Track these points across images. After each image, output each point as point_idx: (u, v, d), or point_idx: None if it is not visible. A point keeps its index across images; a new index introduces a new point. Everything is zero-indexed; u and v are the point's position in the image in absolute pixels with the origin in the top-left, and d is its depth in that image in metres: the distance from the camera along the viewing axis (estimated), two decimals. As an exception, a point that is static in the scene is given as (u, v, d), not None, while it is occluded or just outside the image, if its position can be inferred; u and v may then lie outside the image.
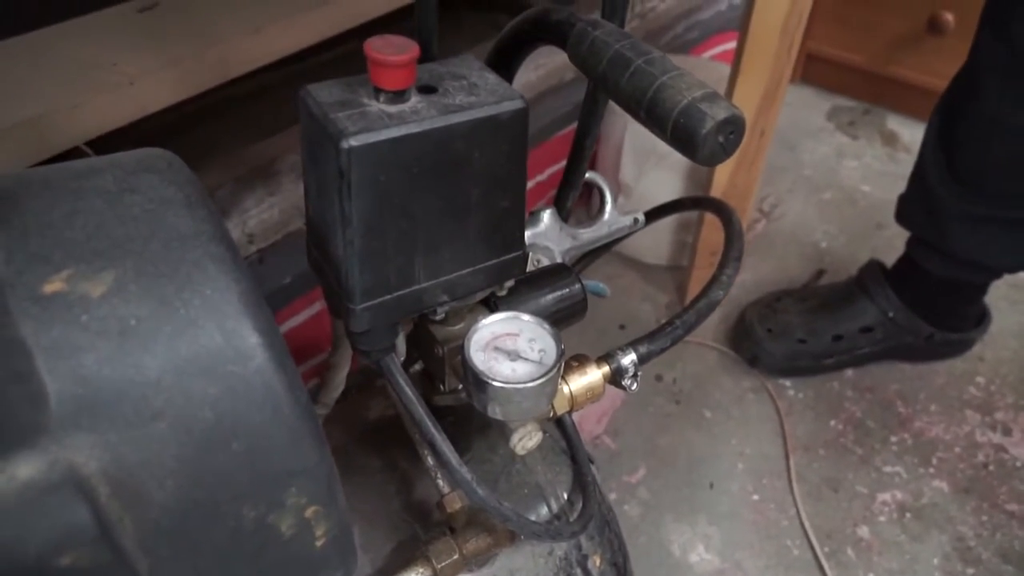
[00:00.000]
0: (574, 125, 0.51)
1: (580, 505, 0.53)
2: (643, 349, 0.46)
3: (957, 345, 1.10)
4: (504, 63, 0.48)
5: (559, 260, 0.53)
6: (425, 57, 0.42)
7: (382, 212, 0.35)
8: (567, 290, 0.49)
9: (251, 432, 0.28)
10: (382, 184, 0.34)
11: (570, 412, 0.46)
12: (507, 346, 0.41)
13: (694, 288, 1.15)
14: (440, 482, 0.49)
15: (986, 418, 1.03)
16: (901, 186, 1.03)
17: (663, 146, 0.37)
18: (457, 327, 0.45)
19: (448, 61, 0.39)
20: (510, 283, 0.45)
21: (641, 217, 0.57)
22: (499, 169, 0.37)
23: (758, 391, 1.06)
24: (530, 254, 0.52)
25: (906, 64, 1.53)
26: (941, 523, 0.91)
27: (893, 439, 1.01)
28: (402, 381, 0.41)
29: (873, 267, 1.07)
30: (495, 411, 0.40)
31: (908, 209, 1.02)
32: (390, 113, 0.34)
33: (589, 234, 0.55)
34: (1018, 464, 0.98)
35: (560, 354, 0.41)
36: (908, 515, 0.92)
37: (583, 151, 0.52)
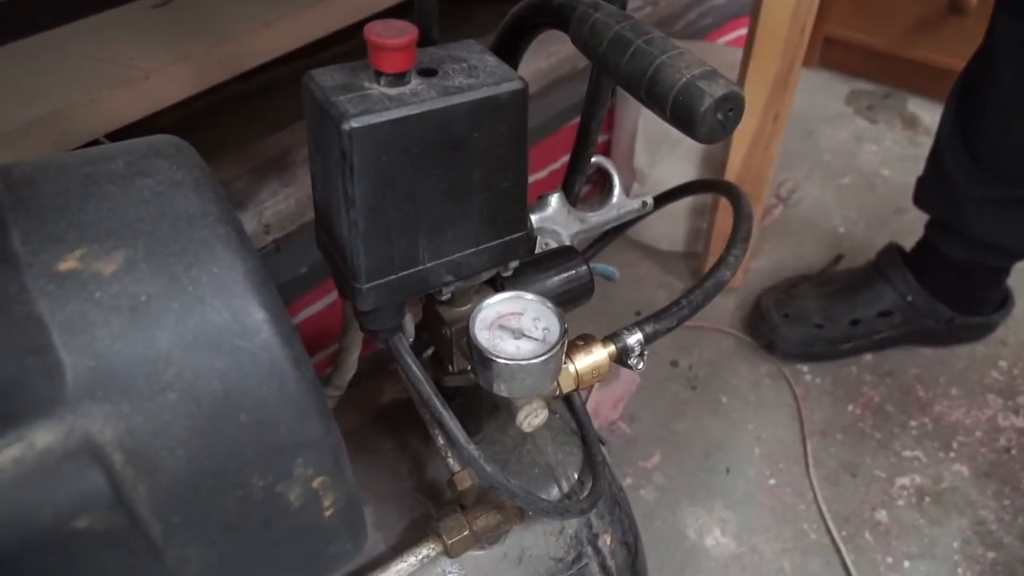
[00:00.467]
0: (582, 110, 0.52)
1: (590, 485, 0.54)
2: (649, 329, 0.47)
3: (978, 329, 1.08)
4: (508, 49, 0.49)
5: (567, 244, 0.54)
6: (425, 41, 0.43)
7: (384, 193, 0.36)
8: (573, 272, 0.50)
9: (258, 404, 0.29)
10: (384, 165, 0.35)
11: (577, 391, 0.46)
12: (511, 324, 0.42)
13: (704, 268, 1.14)
14: (451, 461, 0.50)
15: (1008, 402, 1.02)
16: (922, 170, 1.02)
17: (676, 132, 0.38)
18: (464, 308, 0.46)
19: (448, 45, 0.40)
20: (515, 264, 0.45)
21: (649, 200, 0.57)
22: (500, 150, 0.38)
23: (775, 376, 1.06)
24: (538, 238, 0.52)
25: (926, 46, 1.51)
26: (961, 507, 0.90)
27: (912, 424, 1.00)
28: (410, 360, 0.42)
29: (891, 251, 1.06)
30: (500, 388, 0.41)
31: (926, 192, 1.01)
32: (390, 95, 0.35)
33: (597, 217, 0.56)
34: (1041, 448, 0.97)
35: (563, 332, 0.41)
36: (927, 499, 0.91)
37: (589, 135, 0.52)
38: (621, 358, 0.47)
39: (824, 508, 0.90)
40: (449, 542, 0.47)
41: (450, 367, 0.48)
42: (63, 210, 0.30)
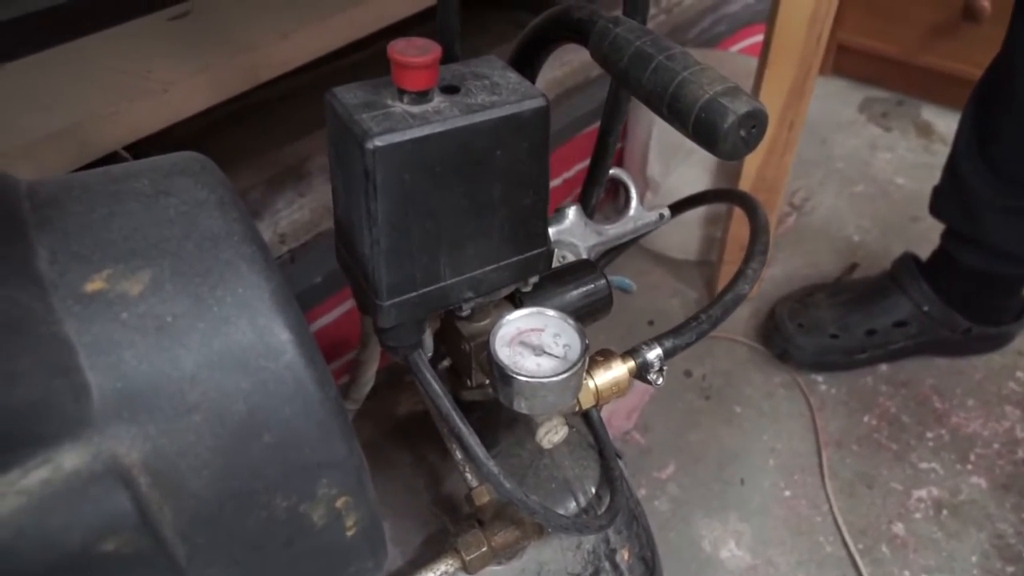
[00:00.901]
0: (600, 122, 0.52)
1: (608, 499, 0.54)
2: (668, 344, 0.47)
3: (995, 339, 1.07)
4: (527, 61, 0.49)
5: (584, 256, 0.54)
6: (447, 58, 0.43)
7: (407, 211, 0.36)
8: (592, 286, 0.50)
9: (282, 425, 0.29)
10: (406, 183, 0.35)
11: (596, 406, 0.46)
12: (532, 341, 0.41)
13: (723, 283, 1.14)
14: (468, 476, 0.49)
15: (1026, 413, 1.01)
16: (936, 178, 1.01)
17: (690, 142, 0.38)
18: (483, 323, 0.46)
19: (470, 61, 0.40)
20: (535, 279, 0.45)
21: (667, 212, 0.57)
22: (521, 167, 0.38)
23: (789, 386, 1.05)
24: (555, 251, 0.52)
25: (941, 53, 1.50)
26: (979, 520, 0.89)
27: (929, 435, 0.99)
28: (429, 376, 0.42)
29: (907, 260, 1.06)
30: (521, 405, 0.41)
31: (942, 201, 1.00)
32: (413, 113, 0.35)
33: (615, 230, 0.55)
34: (1060, 460, 0.95)
35: (584, 349, 0.41)
36: (945, 512, 0.90)
37: (607, 148, 0.52)
38: (641, 373, 0.46)
39: (840, 520, 0.89)
40: (467, 558, 0.47)
41: (469, 382, 0.48)
42: (89, 229, 0.30)
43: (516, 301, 0.47)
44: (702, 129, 0.36)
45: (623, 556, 0.55)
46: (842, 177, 1.43)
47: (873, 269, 1.16)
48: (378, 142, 0.33)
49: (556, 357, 0.41)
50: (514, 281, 0.43)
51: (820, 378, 1.06)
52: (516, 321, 0.42)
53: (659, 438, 0.99)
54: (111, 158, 0.64)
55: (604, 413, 0.99)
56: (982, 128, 0.91)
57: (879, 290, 1.06)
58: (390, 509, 0.52)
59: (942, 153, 1.00)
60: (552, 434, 0.44)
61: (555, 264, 0.51)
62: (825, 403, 1.03)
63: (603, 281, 0.50)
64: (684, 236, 1.21)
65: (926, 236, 1.21)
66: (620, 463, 0.57)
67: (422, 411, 0.58)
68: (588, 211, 0.55)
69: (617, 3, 0.45)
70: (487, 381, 0.48)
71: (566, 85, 1.05)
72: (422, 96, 0.35)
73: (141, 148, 0.65)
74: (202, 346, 0.28)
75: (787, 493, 0.93)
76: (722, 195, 0.65)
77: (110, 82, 0.65)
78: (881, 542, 0.87)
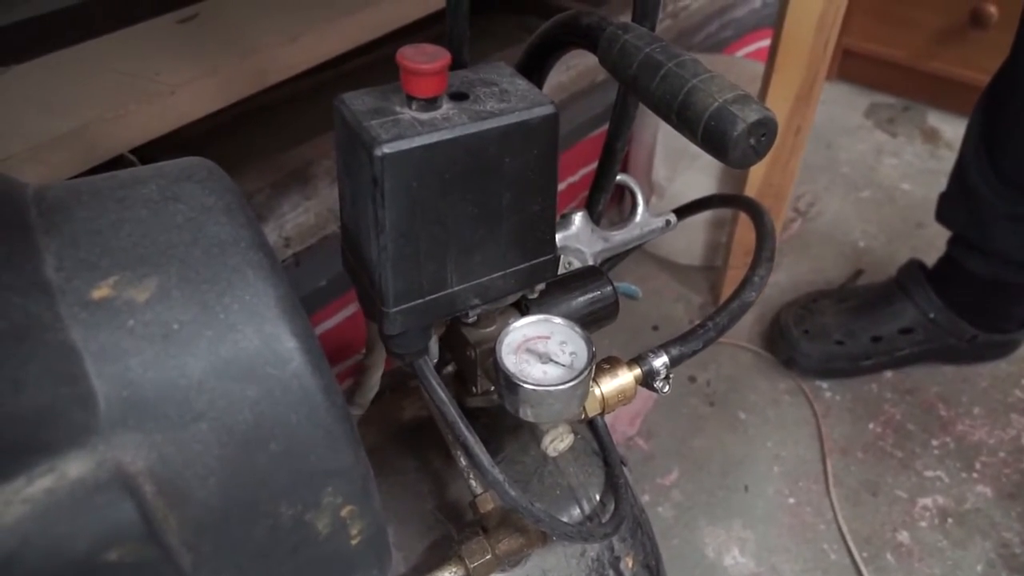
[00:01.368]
0: (606, 127, 0.52)
1: (612, 507, 0.53)
2: (675, 351, 0.46)
3: (1002, 347, 1.07)
4: (535, 67, 0.49)
5: (590, 262, 0.53)
6: (456, 64, 0.43)
7: (415, 217, 0.36)
8: (599, 292, 0.50)
9: (288, 433, 0.29)
10: (415, 190, 0.35)
11: (602, 414, 0.46)
12: (538, 348, 0.41)
13: (728, 289, 1.14)
14: (473, 483, 0.49)
15: (1032, 422, 1.00)
16: (943, 184, 1.01)
17: (695, 147, 0.38)
18: (489, 330, 0.46)
19: (479, 68, 0.40)
20: (541, 286, 0.45)
21: (673, 218, 0.57)
22: (530, 174, 0.38)
23: (794, 393, 1.05)
24: (561, 257, 0.52)
25: (947, 59, 1.50)
26: (985, 529, 0.89)
27: (934, 443, 0.98)
28: (435, 383, 0.42)
29: (913, 267, 1.05)
30: (526, 413, 0.40)
31: (949, 208, 0.99)
32: (422, 120, 0.34)
33: (621, 236, 0.55)
34: (1066, 469, 0.95)
35: (591, 357, 0.41)
36: (950, 520, 0.90)
37: (614, 154, 0.52)
38: (647, 381, 0.46)
39: (845, 528, 0.89)
40: (472, 566, 0.46)
41: (474, 388, 0.48)
42: (96, 235, 0.30)
43: (522, 308, 0.47)
44: (711, 137, 0.36)
45: (627, 563, 0.55)
46: (848, 183, 1.42)
47: (879, 275, 1.16)
48: (387, 149, 0.33)
49: (562, 365, 0.41)
50: (521, 288, 0.43)
51: (825, 385, 1.05)
52: (522, 328, 0.42)
53: (663, 444, 0.98)
54: (118, 161, 0.64)
55: (608, 419, 0.99)
56: (989, 135, 0.91)
57: (885, 297, 1.06)
58: (394, 515, 0.51)
59: (948, 159, 0.99)
60: (558, 442, 0.44)
61: (561, 270, 0.51)
62: (830, 410, 1.02)
63: (610, 288, 0.50)
64: (689, 241, 1.21)
65: (932, 242, 1.21)
66: (624, 470, 0.57)
67: (426, 417, 0.58)
68: (594, 217, 0.55)
69: (626, 9, 0.45)
70: (492, 388, 0.47)
71: (571, 90, 1.05)
72: (431, 103, 0.35)
73: (148, 151, 0.65)
74: (209, 354, 0.28)
75: (791, 500, 0.92)
76: (728, 200, 0.65)
77: (117, 85, 0.65)
78: (886, 550, 0.87)
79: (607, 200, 0.56)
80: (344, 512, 0.32)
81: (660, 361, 0.46)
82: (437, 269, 0.38)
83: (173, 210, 0.31)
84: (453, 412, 0.41)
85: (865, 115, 1.61)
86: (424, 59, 0.33)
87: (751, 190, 1.02)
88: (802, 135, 1.01)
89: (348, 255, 0.42)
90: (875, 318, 1.04)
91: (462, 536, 0.49)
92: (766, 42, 1.33)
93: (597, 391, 0.44)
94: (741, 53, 1.42)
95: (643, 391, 0.46)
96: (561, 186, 1.12)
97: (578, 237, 0.53)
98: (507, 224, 0.39)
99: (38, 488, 0.25)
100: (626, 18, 0.43)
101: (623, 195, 1.12)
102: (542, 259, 0.42)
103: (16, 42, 0.67)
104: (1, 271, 0.27)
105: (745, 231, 1.06)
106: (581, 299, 0.49)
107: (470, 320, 0.45)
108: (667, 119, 0.38)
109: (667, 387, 0.47)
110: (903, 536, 0.88)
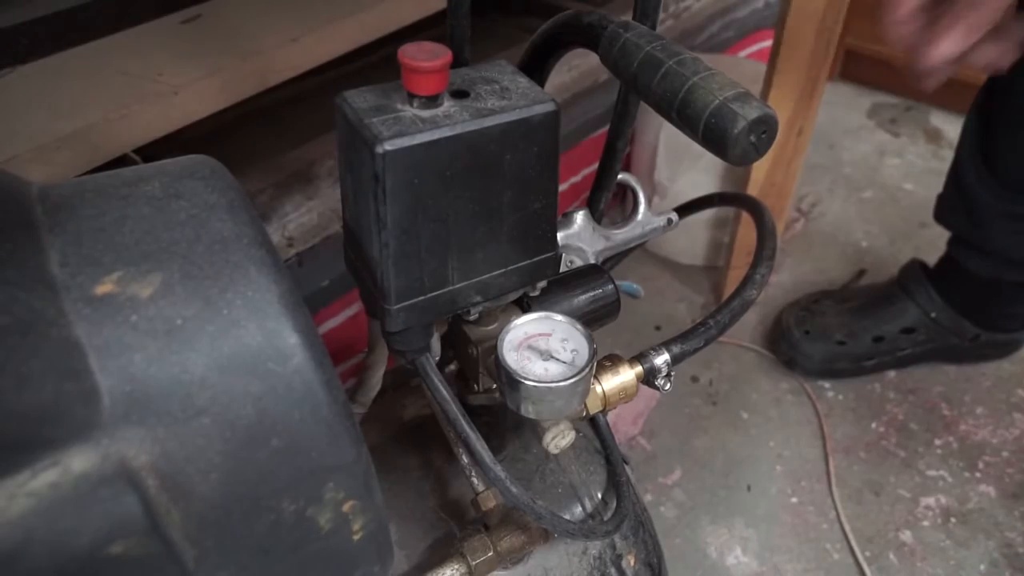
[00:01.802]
0: (608, 127, 0.52)
1: (614, 505, 0.54)
2: (676, 349, 0.46)
3: (1004, 346, 1.07)
4: (536, 66, 0.49)
5: (592, 261, 0.54)
6: (458, 63, 0.43)
7: (416, 215, 0.36)
8: (600, 291, 0.50)
9: (290, 429, 0.29)
10: (416, 187, 0.35)
11: (603, 412, 0.46)
12: (540, 346, 0.41)
13: (730, 288, 1.14)
14: (474, 480, 0.49)
15: (1036, 421, 1.00)
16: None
17: (698, 146, 0.38)
18: (491, 327, 0.46)
19: (480, 66, 0.40)
20: (543, 284, 0.45)
21: (675, 217, 0.57)
22: (531, 171, 0.38)
23: (796, 392, 1.05)
24: (563, 255, 0.52)
25: (950, 59, 1.50)
26: (988, 529, 0.89)
27: (937, 442, 0.98)
28: (437, 380, 0.42)
29: (914, 267, 1.05)
30: (528, 410, 0.41)
31: (947, 208, 0.99)
32: (423, 118, 0.35)
33: (622, 235, 0.55)
34: (1070, 469, 0.95)
35: (592, 354, 0.41)
36: (953, 520, 0.90)
37: (616, 153, 0.52)
38: (648, 379, 0.46)
39: (847, 527, 0.88)
40: (473, 563, 0.46)
41: (476, 386, 0.48)
42: (100, 233, 0.30)
43: (524, 305, 0.47)
44: (712, 135, 0.36)
45: (629, 562, 0.55)
46: (850, 183, 1.42)
47: (881, 275, 1.16)
48: (388, 146, 0.33)
49: (563, 362, 0.41)
50: (523, 285, 0.43)
51: (827, 384, 1.05)
52: (524, 326, 0.42)
53: (665, 444, 0.98)
54: (121, 161, 0.64)
55: (610, 418, 0.99)
56: (984, 135, 0.91)
57: (886, 297, 1.06)
58: (396, 513, 0.52)
59: (951, 159, 0.99)
60: (559, 439, 0.44)
61: (563, 268, 0.51)
62: (833, 409, 1.02)
63: (611, 286, 0.50)
64: (691, 241, 1.21)
65: (934, 242, 1.21)
66: (627, 468, 0.57)
67: (429, 415, 0.58)
68: (596, 216, 0.55)
69: (627, 8, 0.45)
70: (494, 385, 0.48)
71: (574, 90, 1.05)
72: (432, 100, 0.35)
73: (151, 151, 0.66)
74: (211, 349, 0.28)
75: (794, 500, 0.92)
76: (729, 199, 0.65)
77: (121, 85, 0.66)
78: (888, 550, 0.87)
79: (609, 199, 0.56)
80: (346, 507, 0.32)
81: (661, 359, 0.46)
82: (438, 266, 0.38)
83: (176, 207, 0.31)
84: (455, 409, 0.42)
85: (867, 115, 1.61)
86: (425, 57, 0.33)
87: (754, 190, 1.02)
88: (804, 136, 1.01)
89: (350, 253, 0.42)
90: (877, 318, 1.04)
91: (464, 534, 0.49)
92: (768, 43, 1.33)
93: (598, 388, 0.44)
94: (743, 54, 1.42)
95: (646, 391, 0.46)
96: (564, 186, 1.12)
97: (580, 235, 0.53)
98: (508, 221, 0.39)
99: (42, 482, 0.25)
100: (627, 17, 0.43)
101: (625, 194, 1.12)
102: (543, 257, 0.42)
103: (21, 43, 0.68)
104: (6, 268, 0.27)
105: (747, 231, 1.06)
106: (583, 297, 0.49)
107: (472, 318, 0.45)
108: (668, 117, 0.39)
109: (668, 385, 0.47)
110: (906, 536, 0.88)
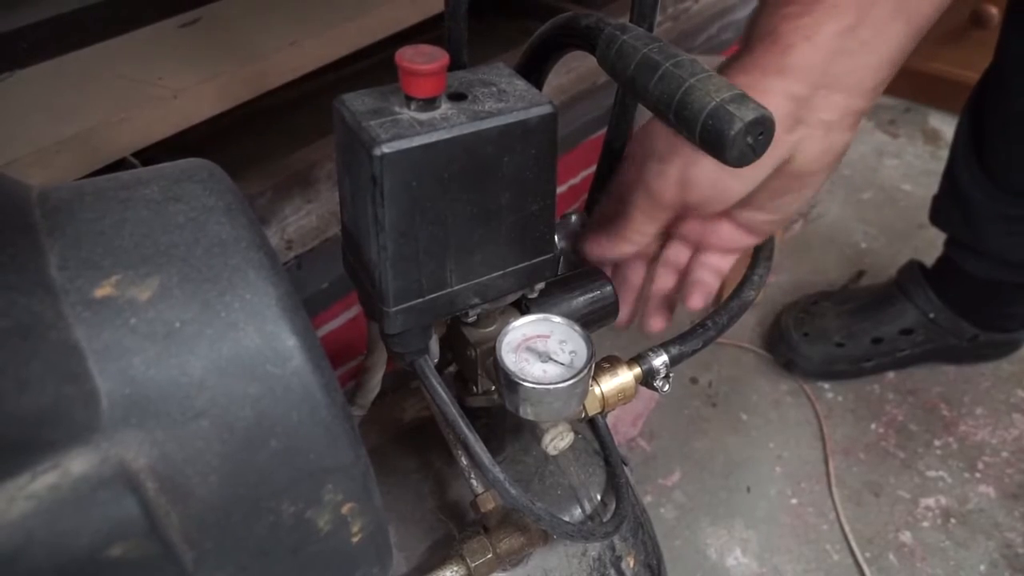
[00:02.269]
0: (606, 129, 0.52)
1: (613, 506, 0.54)
2: (675, 350, 0.46)
3: (1003, 346, 1.07)
4: (534, 69, 0.49)
5: (590, 263, 0.54)
6: (455, 65, 0.43)
7: (414, 217, 0.36)
8: (598, 292, 0.50)
9: (289, 431, 0.29)
10: (414, 190, 0.35)
11: (602, 413, 0.46)
12: (538, 347, 0.41)
13: (727, 289, 1.14)
14: (474, 482, 0.49)
15: (1035, 422, 1.00)
16: (942, 185, 1.01)
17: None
18: (489, 329, 0.46)
19: (478, 69, 0.40)
20: (541, 285, 0.45)
21: (673, 219, 0.57)
22: (529, 173, 0.38)
23: (796, 394, 1.05)
24: (561, 257, 0.52)
25: (948, 60, 1.50)
26: (988, 529, 0.89)
27: (937, 443, 0.98)
28: (435, 382, 0.42)
29: (912, 268, 1.05)
30: (526, 411, 0.41)
31: (942, 210, 0.99)
32: (421, 120, 0.35)
33: (620, 236, 0.55)
34: (1069, 469, 0.95)
35: (591, 355, 0.41)
36: (953, 521, 0.90)
37: (613, 154, 0.52)
38: (647, 380, 0.46)
39: (847, 528, 0.88)
40: (473, 565, 0.46)
41: (474, 388, 0.48)
42: (99, 236, 0.30)
43: (522, 307, 0.47)
44: (709, 136, 0.36)
45: (629, 563, 0.55)
46: (849, 184, 1.42)
47: (880, 276, 1.16)
48: (386, 149, 0.33)
49: (562, 364, 0.41)
50: (521, 287, 0.43)
51: (827, 386, 1.05)
52: (522, 327, 0.42)
53: (665, 445, 0.98)
54: (121, 164, 0.64)
55: (609, 420, 0.99)
56: (978, 137, 0.91)
57: (885, 298, 1.06)
58: (395, 515, 0.52)
59: (949, 160, 0.99)
60: (558, 440, 0.44)
61: (561, 270, 0.51)
62: (832, 411, 1.02)
63: (609, 287, 0.50)
64: (690, 242, 1.21)
65: (933, 243, 1.20)
66: (626, 470, 0.57)
67: (428, 417, 0.58)
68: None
69: (624, 10, 0.45)
70: (493, 387, 0.48)
71: (572, 92, 1.05)
72: (430, 103, 0.35)
73: (150, 154, 0.66)
74: (210, 352, 0.28)
75: (794, 501, 0.92)
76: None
77: (120, 89, 0.66)
78: (888, 551, 0.87)
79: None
80: (345, 509, 0.32)
81: (660, 360, 0.46)
82: (437, 268, 0.38)
83: (174, 210, 0.32)
84: (454, 411, 0.42)
85: (866, 116, 1.61)
86: (423, 59, 0.34)
87: (752, 191, 1.02)
88: (802, 136, 1.01)
89: (349, 256, 0.42)
90: (875, 319, 1.04)
91: (463, 535, 0.49)
92: (766, 44, 1.33)
93: (597, 390, 0.44)
94: (741, 55, 1.42)
95: (645, 392, 0.46)
96: (562, 188, 1.12)
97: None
98: (506, 223, 0.39)
99: (42, 485, 0.25)
100: (624, 19, 0.43)
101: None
102: (542, 258, 0.42)
103: (20, 47, 0.68)
104: (5, 271, 0.27)
105: (746, 232, 1.06)
106: (581, 299, 0.49)
107: (470, 320, 0.45)
108: (665, 119, 0.39)
109: (667, 386, 0.47)
110: (906, 536, 0.88)
